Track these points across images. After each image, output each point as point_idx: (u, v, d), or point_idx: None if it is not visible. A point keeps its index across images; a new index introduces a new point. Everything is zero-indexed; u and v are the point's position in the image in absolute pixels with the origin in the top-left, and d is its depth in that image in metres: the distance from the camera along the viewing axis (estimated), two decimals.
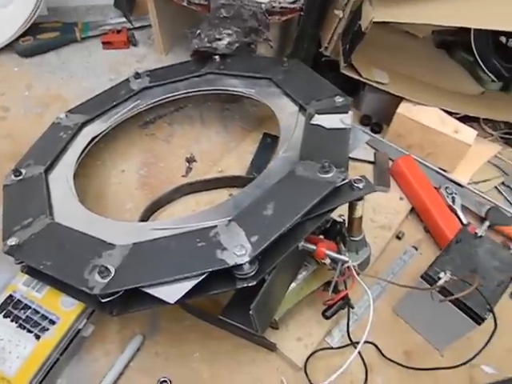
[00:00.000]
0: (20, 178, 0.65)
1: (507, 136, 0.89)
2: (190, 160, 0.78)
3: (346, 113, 0.61)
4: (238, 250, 0.46)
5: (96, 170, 0.77)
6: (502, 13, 0.67)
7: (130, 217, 0.70)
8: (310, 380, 0.58)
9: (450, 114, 0.81)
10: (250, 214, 0.51)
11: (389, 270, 0.70)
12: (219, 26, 0.75)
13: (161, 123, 0.84)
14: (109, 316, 0.51)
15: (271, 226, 0.49)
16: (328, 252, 0.53)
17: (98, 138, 0.72)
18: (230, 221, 0.51)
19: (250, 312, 0.48)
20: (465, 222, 0.73)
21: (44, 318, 0.56)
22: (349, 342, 0.61)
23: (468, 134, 0.76)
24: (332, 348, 0.61)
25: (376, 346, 0.62)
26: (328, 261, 0.55)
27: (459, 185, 0.79)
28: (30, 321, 0.56)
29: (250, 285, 0.48)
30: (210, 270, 0.46)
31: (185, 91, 0.76)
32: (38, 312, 0.56)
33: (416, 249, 0.72)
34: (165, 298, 0.45)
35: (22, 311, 0.56)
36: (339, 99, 0.64)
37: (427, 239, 0.73)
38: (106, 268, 0.47)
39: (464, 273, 0.55)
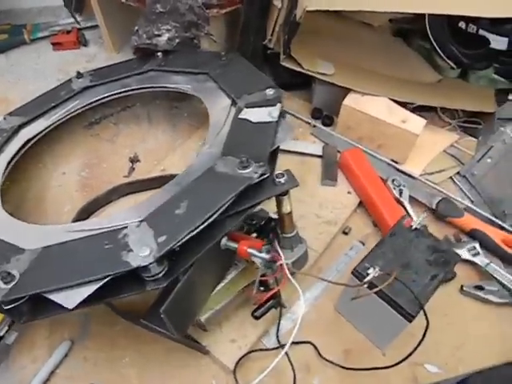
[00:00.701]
0: None
1: (466, 124, 0.87)
2: (134, 160, 0.77)
3: (275, 105, 0.59)
4: (143, 252, 0.44)
5: (37, 173, 0.75)
6: None
7: (66, 219, 0.68)
8: (237, 382, 0.56)
9: (404, 104, 0.79)
10: (161, 214, 0.49)
11: (333, 267, 0.68)
12: (156, 21, 0.73)
13: (106, 123, 0.82)
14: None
15: (181, 224, 0.47)
16: (249, 250, 0.51)
17: (33, 140, 0.71)
18: (140, 221, 0.49)
19: (161, 314, 0.46)
20: (412, 214, 0.71)
21: None
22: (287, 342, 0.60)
23: (416, 123, 0.74)
24: (267, 349, 0.59)
25: (314, 346, 0.60)
26: (258, 260, 0.53)
27: (411, 176, 0.77)
28: None
29: (160, 286, 0.46)
30: (112, 273, 0.44)
31: (124, 89, 0.75)
32: None
33: (363, 244, 0.70)
34: (63, 303, 0.43)
35: None
36: (270, 92, 0.62)
37: (375, 234, 0.71)
38: (9, 273, 0.46)
39: (395, 267, 0.53)
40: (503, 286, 0.65)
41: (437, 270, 0.54)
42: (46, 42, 0.95)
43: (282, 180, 0.51)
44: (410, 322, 0.52)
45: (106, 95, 0.75)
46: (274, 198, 0.54)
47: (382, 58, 0.87)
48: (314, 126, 0.82)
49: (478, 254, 0.68)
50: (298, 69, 0.74)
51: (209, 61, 0.73)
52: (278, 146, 0.57)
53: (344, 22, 0.87)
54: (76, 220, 0.65)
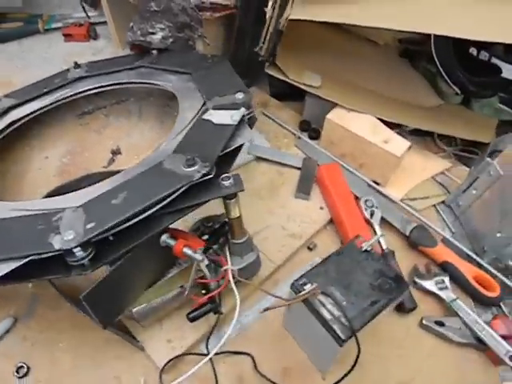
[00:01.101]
0: None
1: (462, 153, 0.83)
2: (115, 152, 0.78)
3: (239, 109, 0.58)
4: (68, 235, 0.45)
5: (23, 155, 0.78)
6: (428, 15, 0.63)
7: None
8: (161, 381, 0.55)
9: (399, 127, 0.76)
10: (99, 202, 0.50)
11: (289, 280, 0.65)
12: (151, 19, 0.75)
13: (98, 114, 0.84)
14: None
15: (112, 214, 0.47)
16: (185, 249, 0.51)
17: (19, 122, 0.73)
18: (78, 207, 0.49)
19: (82, 300, 0.47)
20: (381, 238, 0.68)
21: None
22: (226, 350, 0.59)
23: (399, 145, 0.71)
24: (203, 354, 0.58)
25: (252, 358, 0.59)
26: (194, 260, 0.52)
27: (389, 199, 0.74)
28: None
29: (85, 273, 0.46)
30: (33, 253, 0.45)
31: (112, 82, 0.77)
32: None
33: None
34: None
35: None
36: (240, 96, 0.61)
37: None
38: None
39: (335, 287, 0.51)
40: (466, 325, 0.61)
41: (379, 295, 0.51)
42: (58, 33, 0.99)
43: (227, 183, 0.51)
44: (341, 346, 0.49)
45: (94, 86, 0.77)
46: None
47: (381, 77, 0.85)
48: (299, 138, 0.80)
49: (445, 288, 0.64)
50: (282, 77, 0.74)
51: (195, 62, 0.73)
52: (237, 150, 0.57)
53: (348, 36, 0.86)
54: None
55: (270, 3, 0.70)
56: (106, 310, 0.50)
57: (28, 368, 0.56)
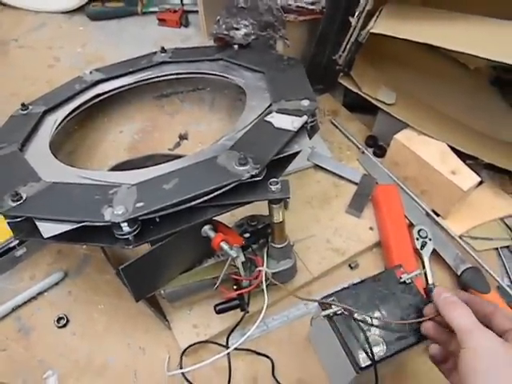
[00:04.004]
0: (25, 112, 0.75)
1: None
2: (182, 137, 0.82)
3: (301, 117, 0.59)
4: (118, 210, 0.48)
5: (101, 126, 0.85)
6: None
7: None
8: (181, 364, 0.57)
9: (474, 159, 0.71)
10: (151, 184, 0.53)
11: (322, 295, 0.64)
12: (237, 15, 0.77)
13: (173, 99, 0.89)
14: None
15: (161, 197, 0.50)
16: (222, 243, 0.52)
17: (103, 96, 0.79)
18: (132, 185, 0.53)
19: (120, 271, 0.50)
20: (428, 272, 0.65)
21: None
22: (247, 348, 0.60)
23: (467, 178, 0.67)
24: (224, 346, 0.60)
25: (272, 362, 0.59)
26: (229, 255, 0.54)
27: (447, 233, 0.70)
28: None
29: (128, 247, 0.50)
30: (86, 219, 0.49)
31: (191, 71, 0.80)
32: None
33: None
34: (42, 231, 0.49)
35: None
36: (305, 103, 0.61)
37: None
38: (18, 194, 0.53)
39: (365, 313, 0.50)
40: None
41: (409, 332, 0.49)
42: (153, 17, 1.05)
43: (274, 188, 0.51)
44: (357, 372, 0.48)
45: (175, 72, 0.81)
46: None
47: (463, 103, 0.80)
48: (363, 153, 0.79)
49: None
50: (355, 90, 0.72)
51: (271, 62, 0.74)
52: (292, 157, 0.57)
53: (433, 55, 0.81)
54: None
55: (357, 13, 0.68)
56: (140, 284, 0.54)
57: (67, 320, 0.62)
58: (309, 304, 0.64)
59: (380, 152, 0.78)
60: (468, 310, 0.43)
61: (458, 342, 0.41)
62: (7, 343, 0.60)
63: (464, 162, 0.70)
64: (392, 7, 0.66)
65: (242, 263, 0.55)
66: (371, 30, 0.62)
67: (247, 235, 0.60)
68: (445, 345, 0.47)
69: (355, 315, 0.49)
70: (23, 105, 0.75)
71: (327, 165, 0.76)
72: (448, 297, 0.46)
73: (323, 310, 0.51)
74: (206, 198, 0.51)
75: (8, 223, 0.54)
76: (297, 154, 0.57)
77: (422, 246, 0.66)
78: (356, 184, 0.75)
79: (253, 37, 0.78)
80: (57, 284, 0.65)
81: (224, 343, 0.60)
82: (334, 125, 0.82)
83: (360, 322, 0.49)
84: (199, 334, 0.60)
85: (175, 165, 0.56)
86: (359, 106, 0.84)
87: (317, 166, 0.76)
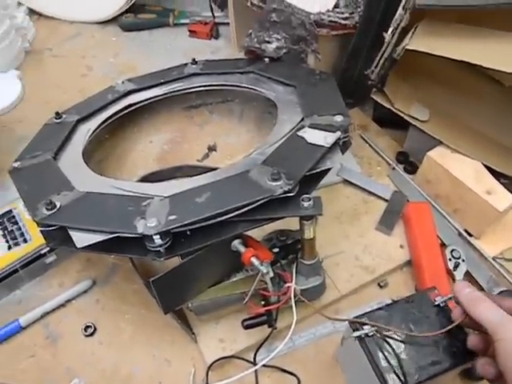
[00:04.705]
0: (59, 121, 0.76)
1: None
2: (211, 148, 0.82)
3: (334, 132, 0.58)
4: (151, 222, 0.48)
5: (131, 135, 0.85)
6: None
7: (133, 180, 0.76)
8: (207, 379, 0.57)
9: (508, 178, 0.69)
10: (184, 197, 0.53)
11: (351, 313, 0.63)
12: (269, 29, 0.77)
13: (203, 110, 0.89)
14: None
15: (193, 211, 0.50)
16: (252, 258, 0.52)
17: (134, 106, 0.80)
18: (165, 197, 0.53)
19: (151, 283, 0.50)
20: None
21: (22, 235, 0.65)
22: (274, 365, 0.59)
23: (503, 198, 0.65)
24: (251, 362, 0.59)
25: (298, 381, 0.58)
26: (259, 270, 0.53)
27: (481, 254, 0.68)
28: (12, 234, 0.66)
29: (159, 259, 0.50)
30: (119, 231, 0.49)
31: (222, 83, 0.80)
32: (20, 229, 0.66)
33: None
34: (75, 241, 0.50)
35: (11, 224, 0.67)
36: (338, 118, 0.61)
37: None
38: (52, 203, 0.54)
39: (397, 335, 0.49)
40: None
41: (443, 357, 0.47)
42: (184, 28, 1.06)
43: (307, 204, 0.51)
44: None
45: (206, 84, 0.82)
46: None
47: (499, 121, 0.77)
48: (393, 169, 0.77)
49: None
50: (388, 105, 0.71)
51: (302, 76, 0.74)
52: (324, 173, 0.56)
53: (468, 72, 0.80)
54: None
55: (391, 29, 0.68)
56: (170, 297, 0.54)
57: (95, 329, 0.62)
58: (336, 322, 0.63)
59: (411, 168, 0.77)
60: (493, 303, 0.42)
61: (490, 335, 0.40)
62: (35, 350, 0.60)
63: (499, 181, 0.68)
64: (428, 24, 0.66)
65: (271, 278, 0.54)
66: (407, 47, 0.61)
67: (276, 250, 0.60)
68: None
69: (387, 338, 0.48)
70: (57, 113, 0.77)
71: (357, 180, 0.75)
72: (470, 292, 0.45)
73: (354, 330, 0.50)
74: (237, 212, 0.51)
75: (41, 231, 0.55)
76: (329, 170, 0.57)
77: (455, 267, 0.65)
78: (386, 200, 0.74)
79: (284, 50, 0.78)
80: (85, 292, 0.65)
81: (249, 358, 0.59)
82: (364, 139, 0.82)
83: (392, 345, 0.48)
84: (225, 349, 0.59)
85: (207, 178, 0.56)
86: (389, 120, 0.83)
87: (346, 181, 0.76)
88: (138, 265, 0.65)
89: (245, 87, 0.78)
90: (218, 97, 0.90)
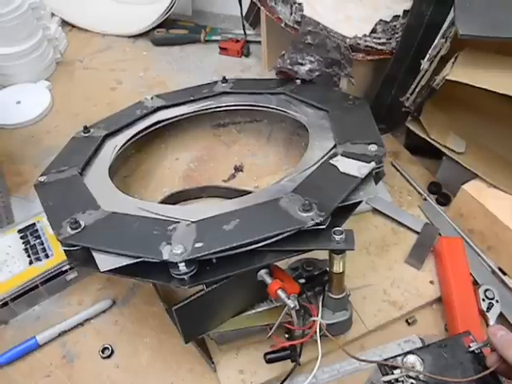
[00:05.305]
0: (86, 135, 0.76)
1: None
2: (238, 169, 0.81)
3: (369, 163, 0.56)
4: (177, 249, 0.47)
5: (157, 152, 0.85)
6: None
7: (160, 198, 0.75)
8: None
9: None
10: (211, 223, 0.51)
11: (378, 351, 0.61)
12: (303, 51, 0.76)
13: (231, 129, 0.88)
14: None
15: (221, 239, 0.48)
16: (279, 291, 0.50)
17: (163, 123, 0.80)
18: (192, 222, 0.52)
19: (174, 311, 0.48)
20: None
21: (43, 250, 0.65)
22: None
23: None
24: None
25: None
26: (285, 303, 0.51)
27: None
28: (34, 248, 0.65)
29: (183, 287, 0.48)
30: (144, 256, 0.48)
31: (252, 103, 0.79)
32: (42, 244, 0.66)
33: (423, 343, 0.61)
34: (99, 263, 0.49)
35: (34, 238, 0.67)
36: (373, 148, 0.59)
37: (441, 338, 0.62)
38: (77, 222, 0.53)
39: (428, 381, 0.46)
40: None
41: None
42: (215, 45, 1.06)
43: (338, 238, 0.49)
44: None
45: (235, 103, 0.81)
46: None
47: None
48: (425, 200, 0.75)
49: None
50: (423, 135, 0.69)
51: (335, 100, 0.72)
52: (356, 205, 0.54)
53: (508, 104, 0.77)
54: (162, 202, 0.72)
55: (428, 56, 0.66)
56: (191, 325, 0.52)
57: (112, 351, 0.60)
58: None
59: (444, 200, 0.74)
60: None
61: None
62: (51, 369, 0.59)
63: None
64: (468, 54, 0.63)
65: (296, 311, 0.52)
66: (447, 77, 0.59)
67: (302, 281, 0.58)
68: None
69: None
70: (85, 127, 0.76)
71: (387, 210, 0.73)
72: (504, 335, 0.43)
73: (384, 374, 0.47)
74: (266, 242, 0.49)
75: (64, 250, 0.54)
76: (361, 201, 0.55)
77: (488, 309, 0.61)
78: (416, 232, 0.71)
79: (317, 73, 0.77)
80: (104, 312, 0.64)
81: None
82: (396, 167, 0.79)
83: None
84: (245, 381, 0.57)
85: (236, 204, 0.55)
86: (422, 149, 0.81)
87: (375, 210, 0.73)
88: (159, 288, 0.64)
89: (275, 109, 0.77)
90: (247, 116, 0.89)
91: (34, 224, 0.68)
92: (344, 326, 0.59)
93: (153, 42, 1.08)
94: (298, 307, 0.50)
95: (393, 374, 0.46)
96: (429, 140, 0.69)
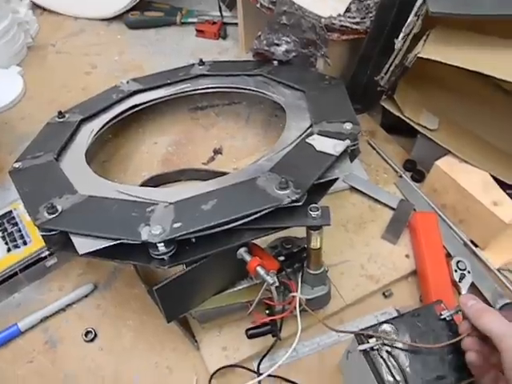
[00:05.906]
0: (61, 120, 0.75)
1: None
2: (217, 151, 0.81)
3: (343, 141, 0.57)
4: (155, 230, 0.47)
5: (135, 136, 0.84)
6: None
7: (138, 182, 0.75)
8: None
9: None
10: (189, 204, 0.52)
11: (355, 323, 0.63)
12: (279, 31, 0.76)
13: (209, 112, 0.88)
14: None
15: (199, 219, 0.49)
16: (258, 268, 0.51)
17: (139, 107, 0.79)
18: (170, 204, 0.52)
19: (154, 292, 0.49)
20: None
21: (21, 237, 0.64)
22: (277, 375, 0.58)
23: (510, 210, 0.64)
24: (253, 371, 0.58)
25: None
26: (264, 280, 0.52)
27: (486, 265, 0.67)
28: (11, 236, 0.65)
29: (163, 267, 0.49)
30: (124, 237, 0.48)
31: (229, 85, 0.79)
32: (20, 231, 0.65)
33: (399, 313, 0.64)
34: (77, 247, 0.49)
35: (11, 226, 0.66)
36: (348, 126, 0.60)
37: None
38: (54, 207, 0.53)
39: (402, 349, 0.48)
40: None
41: (448, 372, 0.47)
42: (191, 28, 1.05)
43: (314, 214, 0.50)
44: None
45: (213, 86, 0.81)
46: None
47: (507, 132, 0.76)
48: (400, 177, 0.76)
49: None
50: (397, 113, 0.70)
51: (311, 81, 0.73)
52: (332, 182, 0.55)
53: (479, 82, 0.79)
54: (142, 185, 0.72)
55: (402, 35, 0.67)
56: (173, 305, 0.53)
57: (95, 334, 0.61)
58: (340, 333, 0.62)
59: (418, 177, 0.76)
60: (498, 314, 0.43)
61: (496, 346, 0.40)
62: (34, 355, 0.59)
63: (506, 192, 0.67)
64: (440, 31, 0.64)
65: (276, 288, 0.53)
66: (419, 55, 0.60)
67: (282, 258, 0.59)
68: (487, 358, 0.45)
69: (393, 352, 0.47)
70: (60, 113, 0.75)
71: (364, 188, 0.74)
72: (475, 304, 0.45)
73: (360, 343, 0.49)
74: (244, 221, 0.50)
75: (42, 235, 0.54)
76: (337, 179, 0.56)
77: (461, 279, 0.64)
78: (392, 209, 0.73)
79: (294, 54, 0.77)
80: (86, 296, 0.64)
81: (251, 367, 0.59)
82: (371, 146, 0.81)
83: (398, 359, 0.47)
84: (228, 357, 0.58)
85: (213, 184, 0.55)
86: (397, 128, 0.82)
87: (353, 189, 0.75)
88: (140, 270, 0.64)
89: (253, 90, 0.77)
90: (225, 99, 0.89)
91: (10, 211, 0.68)
92: (323, 300, 0.60)
93: (127, 25, 1.07)
94: (277, 283, 0.51)
95: (368, 342, 0.48)
96: (403, 118, 0.70)
